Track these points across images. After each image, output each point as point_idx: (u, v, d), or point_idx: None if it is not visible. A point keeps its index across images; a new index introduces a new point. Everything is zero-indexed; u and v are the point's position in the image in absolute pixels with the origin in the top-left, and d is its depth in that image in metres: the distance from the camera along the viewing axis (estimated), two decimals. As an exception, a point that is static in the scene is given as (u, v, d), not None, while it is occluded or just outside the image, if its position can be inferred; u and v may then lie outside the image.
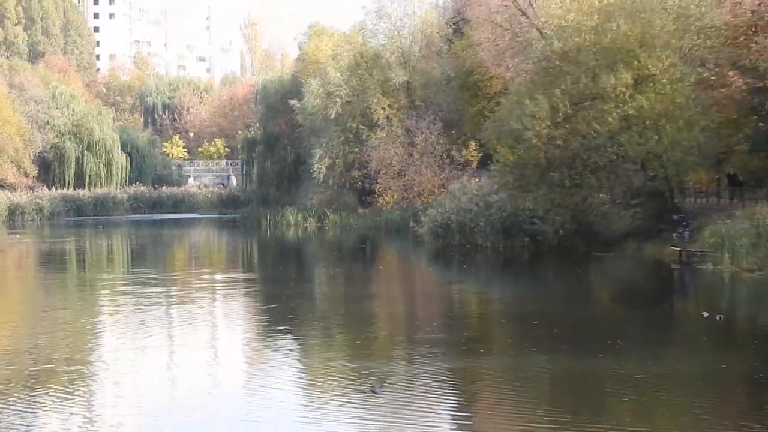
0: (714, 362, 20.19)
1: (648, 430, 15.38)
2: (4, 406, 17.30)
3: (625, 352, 19.90)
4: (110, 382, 19.81)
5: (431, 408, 16.29)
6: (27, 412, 16.86)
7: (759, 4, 37.48)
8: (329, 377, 19.56)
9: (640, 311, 28.90)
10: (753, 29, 37.51)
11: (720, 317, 24.07)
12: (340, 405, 16.46)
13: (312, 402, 17.26)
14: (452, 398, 17.68)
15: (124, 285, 36.00)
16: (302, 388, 18.40)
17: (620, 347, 20.22)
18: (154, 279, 37.32)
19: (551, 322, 25.77)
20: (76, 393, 18.46)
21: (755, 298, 29.85)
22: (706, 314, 24.17)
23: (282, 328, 24.85)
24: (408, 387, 17.29)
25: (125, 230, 68.60)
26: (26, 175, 69.08)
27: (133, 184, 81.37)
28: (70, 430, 16.27)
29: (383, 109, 55.51)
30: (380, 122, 56.29)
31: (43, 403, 17.51)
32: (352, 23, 62.51)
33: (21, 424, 16.03)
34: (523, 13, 45.95)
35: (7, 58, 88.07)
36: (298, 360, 22.57)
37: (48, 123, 73.60)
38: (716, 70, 38.73)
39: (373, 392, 16.54)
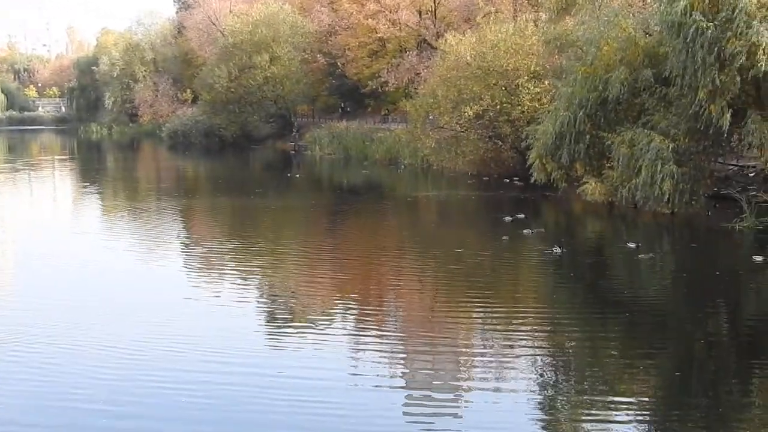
0: (303, 198, 31.18)
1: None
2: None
3: (264, 195, 31.58)
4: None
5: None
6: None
7: (333, 19, 49.70)
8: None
9: (273, 173, 44.30)
10: (329, 33, 49.69)
11: (297, 175, 39.30)
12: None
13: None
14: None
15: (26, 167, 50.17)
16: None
17: (262, 192, 32.35)
18: (26, 160, 53.09)
19: (228, 179, 39.45)
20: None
21: (324, 167, 44.17)
22: (297, 175, 39.22)
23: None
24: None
25: (5, 135, 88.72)
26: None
27: (8, 111, 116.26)
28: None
29: (141, 72, 78.00)
30: (140, 79, 77.75)
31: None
32: (125, 27, 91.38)
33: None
34: (213, 24, 61.37)
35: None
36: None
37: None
38: (311, 54, 52.64)
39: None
